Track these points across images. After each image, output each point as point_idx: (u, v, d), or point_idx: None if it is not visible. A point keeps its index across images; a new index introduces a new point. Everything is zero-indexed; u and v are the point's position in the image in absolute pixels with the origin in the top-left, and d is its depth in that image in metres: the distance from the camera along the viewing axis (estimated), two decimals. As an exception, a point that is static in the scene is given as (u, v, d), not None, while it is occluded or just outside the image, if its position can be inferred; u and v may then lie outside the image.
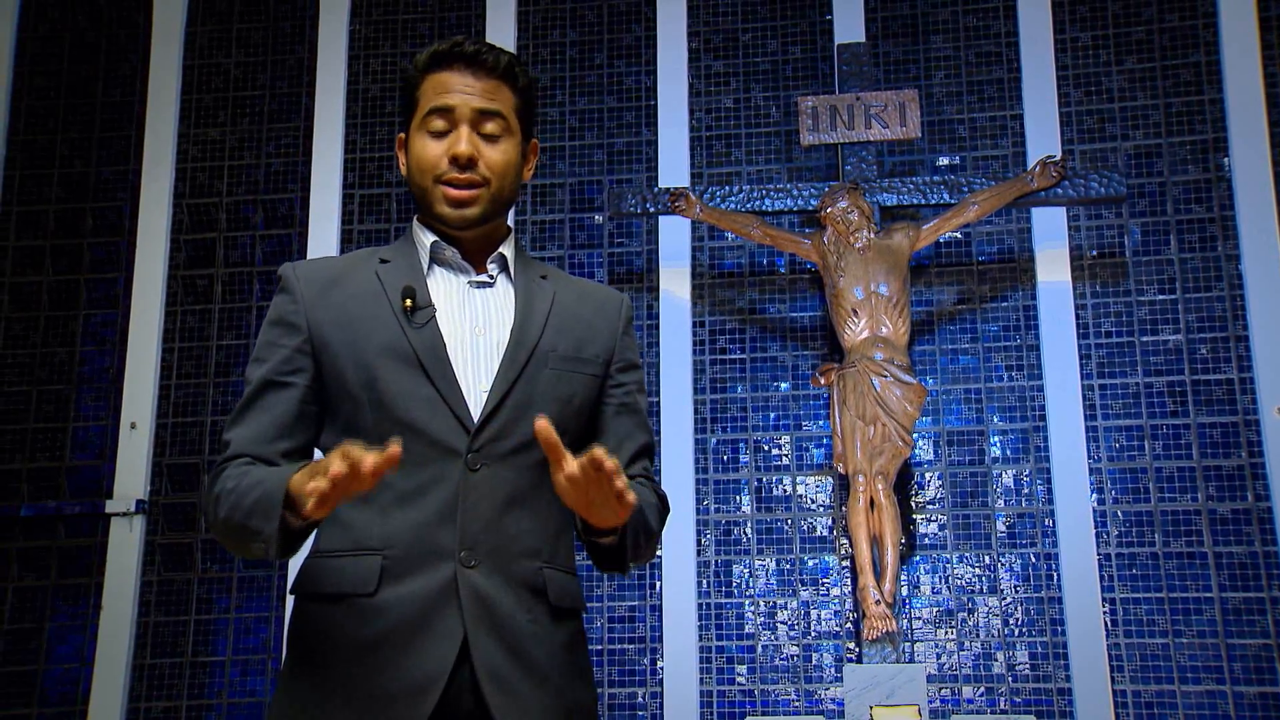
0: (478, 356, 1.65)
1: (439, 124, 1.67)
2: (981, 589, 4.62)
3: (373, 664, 1.53)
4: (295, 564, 4.05)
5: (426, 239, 1.73)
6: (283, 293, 1.70)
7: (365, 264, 1.72)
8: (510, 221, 1.83)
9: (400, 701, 1.51)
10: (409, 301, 1.64)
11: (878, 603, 4.23)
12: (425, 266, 1.71)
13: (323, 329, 1.65)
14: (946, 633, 4.60)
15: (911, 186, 4.68)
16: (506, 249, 1.75)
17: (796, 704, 4.57)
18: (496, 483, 1.59)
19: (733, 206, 4.70)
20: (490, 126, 1.68)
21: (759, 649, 4.67)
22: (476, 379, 1.62)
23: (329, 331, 1.64)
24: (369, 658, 1.53)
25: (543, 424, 1.41)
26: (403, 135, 1.75)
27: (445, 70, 1.68)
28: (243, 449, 1.63)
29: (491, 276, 1.72)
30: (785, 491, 4.82)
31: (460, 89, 1.67)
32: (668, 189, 4.76)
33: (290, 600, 1.70)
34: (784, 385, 4.91)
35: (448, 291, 1.69)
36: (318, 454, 1.68)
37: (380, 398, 1.60)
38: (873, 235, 4.49)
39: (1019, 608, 4.59)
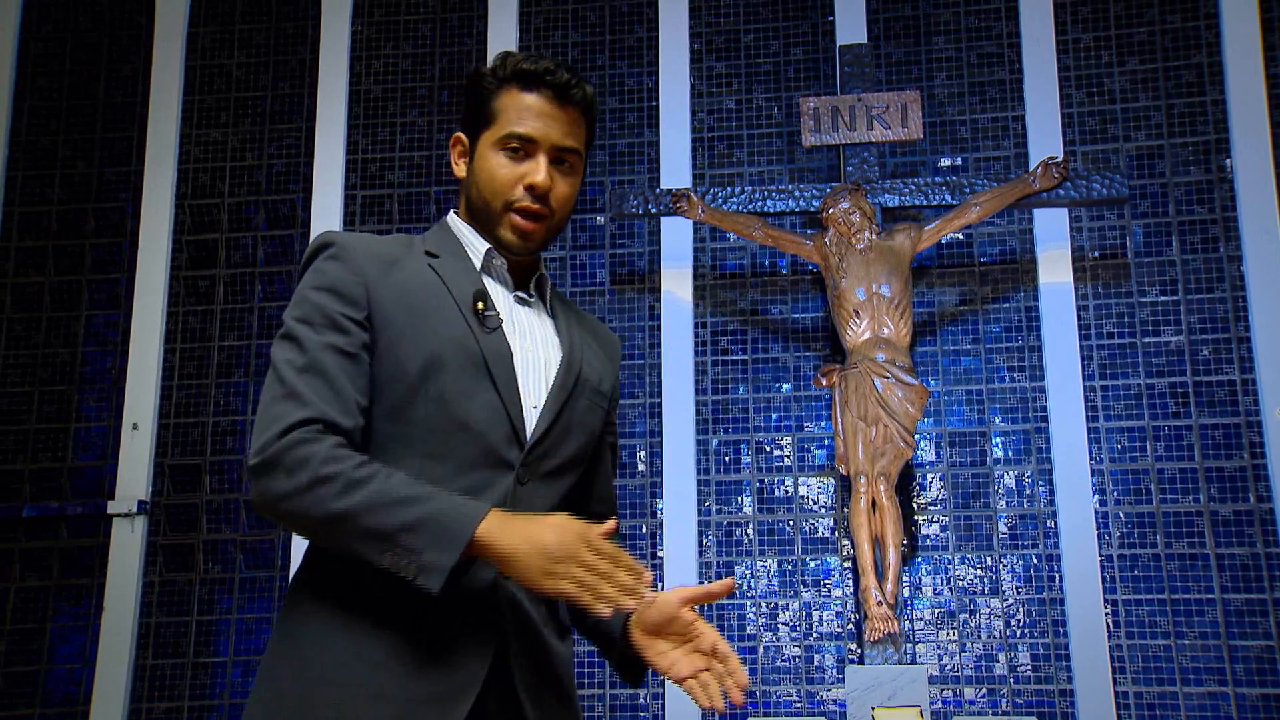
0: (527, 372, 1.63)
1: (516, 144, 1.64)
2: (983, 590, 4.62)
3: (407, 664, 1.49)
4: (296, 559, 3.99)
5: (479, 244, 1.69)
6: (335, 260, 1.60)
7: (413, 252, 1.67)
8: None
9: (434, 704, 1.48)
10: (480, 304, 1.61)
11: (879, 604, 4.23)
12: (478, 271, 1.68)
13: (385, 308, 1.58)
14: (948, 634, 4.59)
15: (913, 187, 4.68)
16: (544, 272, 1.77)
17: (798, 705, 4.57)
18: (538, 499, 1.59)
19: (735, 207, 4.70)
20: (566, 159, 1.67)
21: (761, 650, 4.67)
22: (526, 395, 1.61)
23: (392, 312, 1.58)
24: (403, 657, 1.49)
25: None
26: (463, 136, 1.72)
27: (533, 93, 1.65)
28: (324, 414, 1.49)
29: (530, 296, 1.72)
30: (787, 492, 4.82)
31: (546, 118, 1.64)
32: (670, 190, 4.76)
33: (292, 592, 1.63)
34: (786, 386, 4.91)
35: (498, 302, 1.67)
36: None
37: (441, 393, 1.55)
38: (875, 236, 4.49)
39: (1021, 609, 4.59)
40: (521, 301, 1.70)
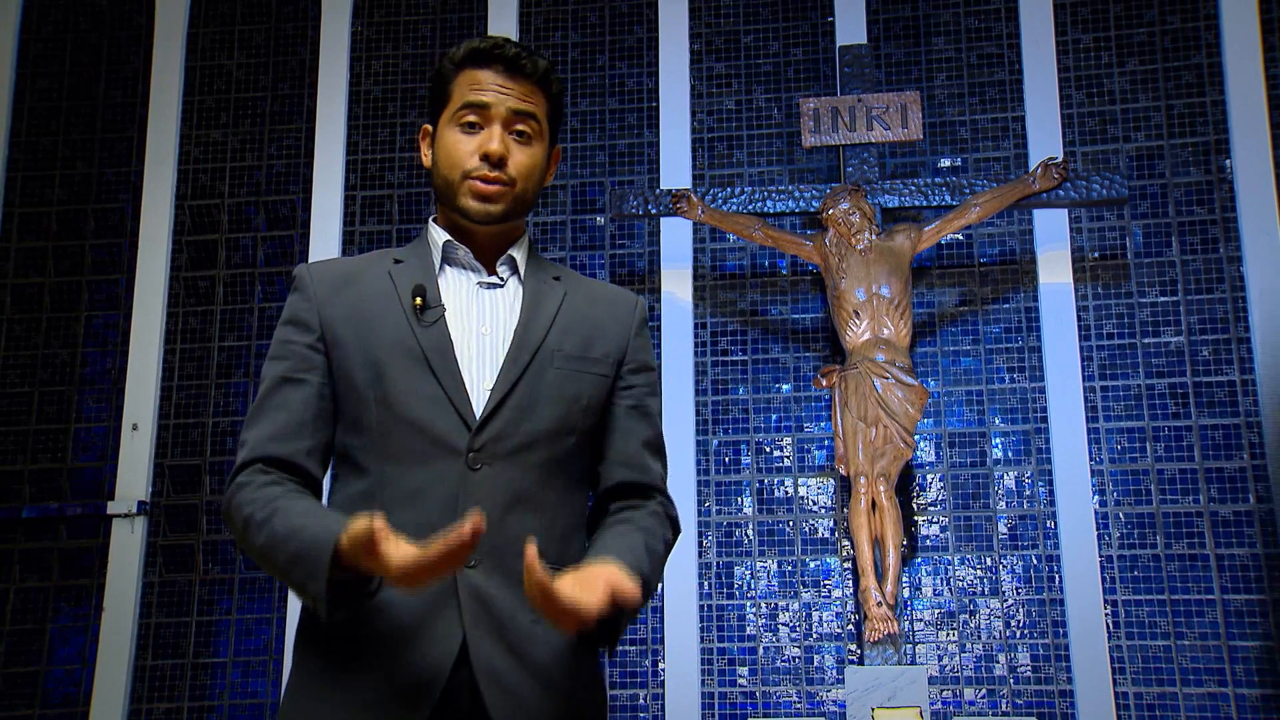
0: (483, 355, 1.65)
1: (472, 118, 1.68)
2: (983, 591, 4.62)
3: (371, 664, 1.53)
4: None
5: (439, 238, 1.73)
6: (296, 292, 1.71)
7: (379, 264, 1.73)
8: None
9: (398, 702, 1.50)
10: (419, 300, 1.64)
11: (879, 604, 4.23)
12: (437, 266, 1.71)
13: (334, 327, 1.65)
14: (948, 634, 4.59)
15: (913, 188, 4.68)
16: (517, 251, 1.75)
17: (798, 705, 4.57)
18: (499, 482, 1.59)
19: (735, 208, 4.70)
20: (522, 128, 1.69)
21: (760, 650, 4.67)
22: (481, 378, 1.63)
23: (340, 329, 1.65)
24: (368, 658, 1.53)
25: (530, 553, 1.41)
26: (429, 127, 1.76)
27: (483, 69, 1.69)
28: (261, 450, 1.62)
29: (501, 278, 1.73)
30: (787, 493, 4.82)
31: (497, 88, 1.68)
32: (670, 190, 4.76)
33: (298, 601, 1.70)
34: (786, 387, 4.91)
35: (457, 291, 1.70)
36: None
37: (385, 395, 1.60)
38: (874, 237, 4.49)
39: (1021, 610, 4.59)
40: (490, 285, 1.71)
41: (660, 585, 4.71)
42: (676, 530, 1.82)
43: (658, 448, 1.81)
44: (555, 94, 1.74)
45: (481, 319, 1.68)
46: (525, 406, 1.62)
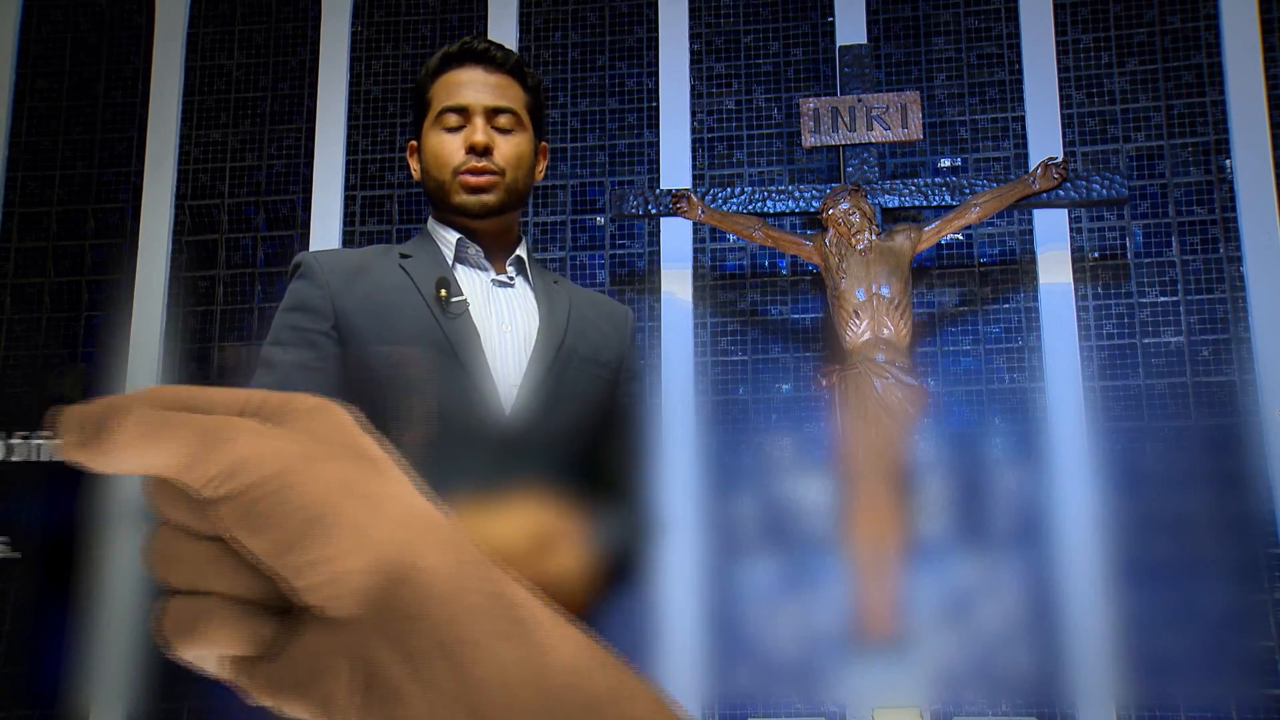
0: (505, 351, 1.65)
1: (453, 120, 1.69)
2: (983, 590, 4.62)
3: None
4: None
5: (450, 236, 1.73)
6: (303, 279, 1.67)
7: (386, 257, 1.72)
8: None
9: None
10: (443, 291, 1.63)
11: (879, 604, 4.23)
12: (450, 263, 1.71)
13: (350, 316, 1.63)
14: (948, 634, 4.59)
15: (913, 188, 4.68)
16: (522, 252, 1.76)
17: (797, 706, 4.57)
18: (525, 474, 1.58)
19: (735, 208, 4.70)
20: (502, 120, 1.71)
21: (759, 651, 4.67)
22: (505, 373, 1.63)
23: (357, 319, 1.62)
24: None
25: None
26: (414, 142, 1.76)
27: (455, 69, 1.71)
28: None
29: (511, 277, 1.73)
30: (787, 493, 4.81)
31: (472, 86, 1.69)
32: (670, 190, 4.76)
33: None
34: (786, 386, 4.91)
35: (472, 288, 1.70)
36: None
37: (410, 386, 1.59)
38: (874, 237, 4.49)
39: (1020, 609, 4.59)
40: (502, 284, 1.72)
41: (658, 585, 4.72)
42: (653, 538, 1.79)
43: (639, 458, 1.81)
44: (532, 86, 1.76)
45: (501, 316, 1.68)
46: (550, 402, 1.63)
